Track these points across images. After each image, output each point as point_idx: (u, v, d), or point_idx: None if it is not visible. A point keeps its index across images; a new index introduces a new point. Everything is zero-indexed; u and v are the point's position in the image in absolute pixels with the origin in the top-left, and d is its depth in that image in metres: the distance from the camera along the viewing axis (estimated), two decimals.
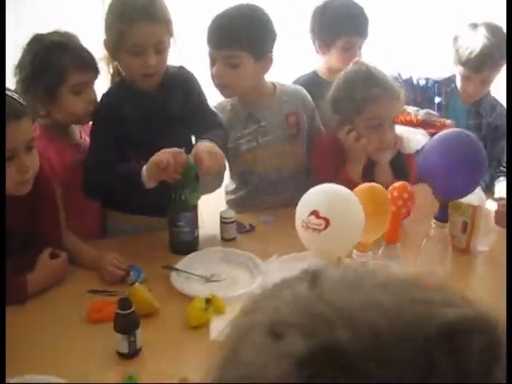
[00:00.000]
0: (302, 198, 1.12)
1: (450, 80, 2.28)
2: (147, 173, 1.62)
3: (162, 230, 1.79)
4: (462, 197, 1.43)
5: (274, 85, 2.03)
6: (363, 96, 1.78)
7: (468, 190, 1.37)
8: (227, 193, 2.10)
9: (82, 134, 1.86)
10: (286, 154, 2.03)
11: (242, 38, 1.83)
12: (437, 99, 2.27)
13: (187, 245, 1.74)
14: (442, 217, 1.37)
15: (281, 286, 0.48)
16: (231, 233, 1.83)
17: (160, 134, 1.75)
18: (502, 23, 2.18)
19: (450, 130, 1.42)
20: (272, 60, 1.93)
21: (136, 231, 1.85)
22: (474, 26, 2.17)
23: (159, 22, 1.68)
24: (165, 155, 1.60)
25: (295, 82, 2.28)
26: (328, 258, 1.10)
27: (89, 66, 1.72)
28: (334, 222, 1.03)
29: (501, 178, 2.13)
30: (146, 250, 1.74)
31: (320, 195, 1.08)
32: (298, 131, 2.04)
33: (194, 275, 1.63)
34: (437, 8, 3.06)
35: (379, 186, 1.26)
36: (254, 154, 1.99)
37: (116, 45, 1.68)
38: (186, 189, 1.69)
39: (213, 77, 1.91)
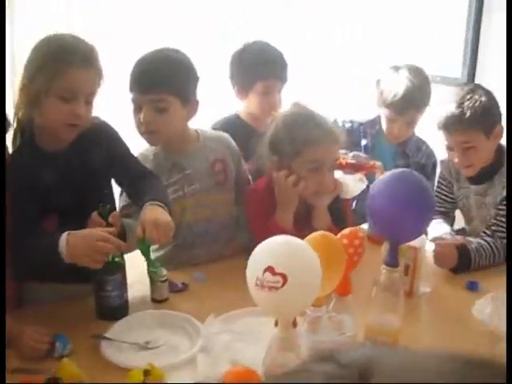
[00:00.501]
0: (253, 254, 1.02)
1: (375, 122, 2.29)
2: (68, 251, 1.46)
3: (86, 296, 1.63)
4: (413, 239, 1.38)
5: (197, 131, 1.95)
6: (303, 138, 1.73)
7: (419, 231, 1.32)
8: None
9: None
10: (215, 203, 1.94)
11: (169, 81, 1.76)
12: (363, 141, 2.27)
13: (116, 310, 1.59)
14: (392, 261, 1.31)
15: None
16: (163, 293, 1.68)
17: (78, 195, 1.63)
18: (422, 65, 2.23)
19: (396, 171, 1.37)
20: (198, 103, 1.86)
21: (56, 298, 1.67)
22: (396, 68, 2.20)
23: (95, 70, 1.58)
24: (89, 245, 1.47)
25: (216, 124, 2.23)
26: (285, 318, 1.00)
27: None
28: (291, 277, 0.94)
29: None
30: (69, 319, 1.56)
31: (273, 249, 0.98)
32: (226, 179, 1.96)
33: (126, 343, 1.47)
34: (357, 50, 3.13)
35: (330, 233, 1.18)
36: (182, 203, 1.88)
37: (45, 87, 1.52)
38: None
39: (139, 124, 1.80)
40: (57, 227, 1.60)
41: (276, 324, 1.12)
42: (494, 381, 0.35)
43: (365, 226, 2.24)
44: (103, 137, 1.69)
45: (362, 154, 2.07)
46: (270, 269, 0.94)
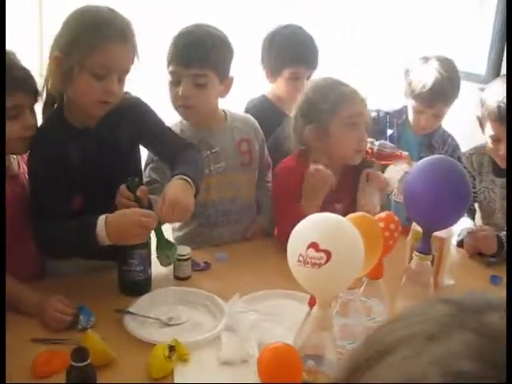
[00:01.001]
0: (296, 230, 1.00)
1: (401, 112, 2.26)
2: (107, 233, 1.45)
3: (109, 270, 1.62)
4: (447, 227, 1.36)
5: (224, 111, 1.94)
6: (337, 96, 1.76)
7: (455, 219, 1.31)
8: (174, 229, 1.95)
9: (21, 163, 1.66)
10: (240, 183, 1.93)
11: (211, 57, 1.75)
12: (389, 131, 2.24)
13: (139, 285, 1.57)
14: (425, 248, 1.30)
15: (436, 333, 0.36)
16: (186, 271, 1.67)
17: (106, 173, 1.59)
18: (452, 57, 2.20)
19: (433, 157, 1.35)
20: (232, 80, 1.85)
21: (79, 272, 1.66)
22: (426, 59, 2.17)
23: (131, 46, 1.54)
24: (133, 222, 1.46)
25: (248, 104, 2.26)
26: (325, 296, 0.98)
27: (25, 88, 1.52)
28: (335, 254, 0.92)
29: None
30: (92, 292, 1.55)
31: (317, 225, 0.96)
32: (251, 159, 1.95)
33: (150, 319, 1.46)
34: (382, 41, 3.10)
35: (370, 215, 1.17)
36: (207, 181, 1.86)
37: (78, 62, 1.47)
38: None
39: (176, 97, 1.79)
40: (83, 206, 1.59)
41: (310, 305, 1.11)
42: None
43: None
44: (134, 112, 1.65)
45: (388, 143, 2.05)
46: (313, 245, 0.93)
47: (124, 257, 1.54)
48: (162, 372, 1.27)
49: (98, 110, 1.56)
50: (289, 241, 1.00)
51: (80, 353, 1.15)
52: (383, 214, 1.26)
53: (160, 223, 1.56)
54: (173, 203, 1.49)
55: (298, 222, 1.73)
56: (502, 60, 2.92)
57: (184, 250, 1.66)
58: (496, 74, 2.92)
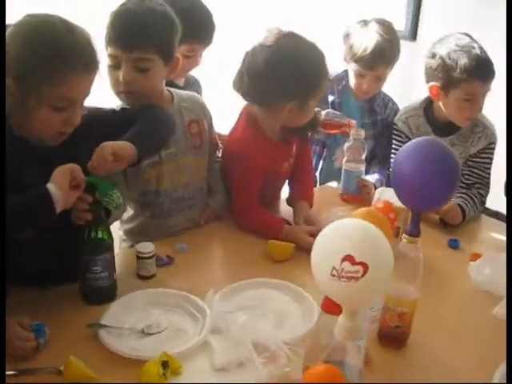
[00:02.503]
0: (324, 241, 0.91)
1: (341, 77, 2.22)
2: (56, 185, 1.27)
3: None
4: (436, 208, 1.34)
5: (170, 91, 1.78)
6: (324, 74, 1.77)
7: (444, 201, 1.29)
8: (122, 222, 1.80)
9: None
10: (191, 167, 1.81)
11: (155, 39, 1.57)
12: (330, 97, 2.20)
13: (106, 292, 1.44)
14: (415, 231, 1.27)
15: None
16: (151, 269, 1.55)
17: None
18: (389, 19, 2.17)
19: (422, 139, 1.31)
20: (179, 61, 1.69)
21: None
22: (365, 22, 2.14)
23: (96, 72, 1.34)
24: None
25: None
26: (355, 307, 0.93)
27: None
28: (372, 266, 0.86)
29: None
30: (50, 307, 1.39)
31: (350, 236, 0.89)
32: (201, 142, 1.83)
33: (126, 330, 1.34)
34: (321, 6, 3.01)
35: (375, 211, 1.12)
36: (158, 169, 1.72)
37: (34, 93, 1.26)
38: (101, 224, 1.39)
39: (116, 82, 1.61)
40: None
41: (323, 308, 1.05)
42: None
43: (333, 185, 2.22)
44: (89, 127, 1.43)
45: (335, 112, 2.01)
46: (349, 258, 0.86)
47: (86, 263, 1.40)
48: None
49: (55, 140, 1.37)
50: (315, 253, 0.93)
51: None
52: (381, 205, 1.21)
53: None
54: (105, 149, 1.36)
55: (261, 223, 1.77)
56: (418, 15, 2.95)
57: (147, 247, 1.54)
58: (414, 29, 2.95)
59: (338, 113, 2.02)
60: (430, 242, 1.82)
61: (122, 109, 1.63)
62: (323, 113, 1.98)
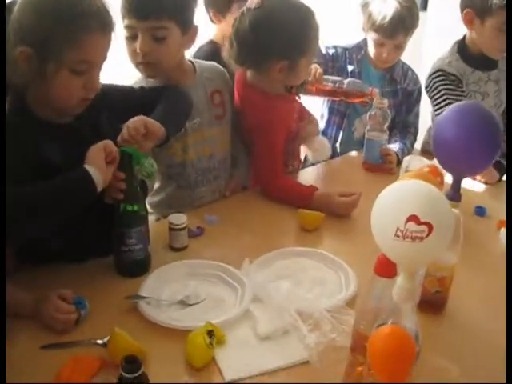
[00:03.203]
0: (388, 202, 0.89)
1: (360, 47, 2.19)
2: (93, 165, 1.26)
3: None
4: (478, 173, 1.33)
5: (192, 62, 1.76)
6: (314, 34, 1.76)
7: (485, 166, 1.28)
8: (152, 194, 1.79)
9: None
10: (216, 138, 1.80)
11: (171, 7, 1.54)
12: (349, 67, 2.17)
13: (140, 265, 1.43)
14: (455, 196, 1.26)
15: None
16: (183, 240, 1.54)
17: None
18: None
19: (464, 103, 1.30)
20: (197, 30, 1.67)
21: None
22: None
23: (112, 33, 1.31)
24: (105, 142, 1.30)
25: (196, 54, 2.06)
26: (415, 268, 0.92)
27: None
28: (436, 226, 0.85)
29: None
30: (87, 280, 1.38)
31: (416, 196, 0.88)
32: (224, 111, 1.82)
33: (165, 301, 1.33)
34: None
35: (425, 173, 1.10)
36: (184, 141, 1.71)
37: (55, 57, 1.23)
38: (135, 197, 1.38)
39: (134, 53, 1.59)
40: None
41: (377, 271, 1.04)
42: None
43: (353, 153, 2.21)
44: (104, 98, 1.40)
45: (357, 81, 1.99)
46: (413, 218, 0.85)
47: (121, 236, 1.38)
48: (204, 360, 1.16)
49: (77, 107, 1.34)
50: (376, 214, 0.92)
51: (132, 362, 1.01)
52: (427, 168, 1.20)
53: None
54: (138, 121, 1.35)
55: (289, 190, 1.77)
56: None
57: (180, 219, 1.53)
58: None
59: (360, 81, 2.00)
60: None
61: (141, 87, 1.61)
62: (345, 82, 1.96)
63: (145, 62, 1.60)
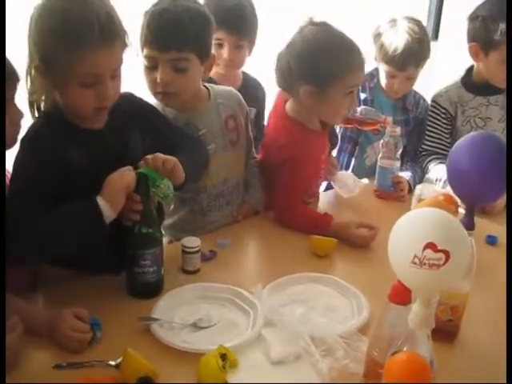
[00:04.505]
0: (404, 229, 0.91)
1: (373, 75, 2.21)
2: (109, 202, 1.28)
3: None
4: (490, 202, 1.34)
5: (207, 87, 1.78)
6: (347, 63, 1.73)
7: (498, 195, 1.29)
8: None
9: None
10: (230, 163, 1.81)
11: (192, 39, 1.57)
12: (362, 95, 2.19)
13: (153, 287, 1.43)
14: (469, 224, 1.27)
15: None
16: (196, 264, 1.55)
17: None
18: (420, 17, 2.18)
19: (479, 133, 1.32)
20: (214, 58, 1.70)
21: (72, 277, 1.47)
22: (394, 21, 2.12)
23: (119, 42, 1.30)
24: (127, 175, 1.31)
25: None
26: (431, 295, 0.92)
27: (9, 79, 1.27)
28: (453, 254, 0.86)
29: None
30: (99, 299, 1.38)
31: (433, 224, 0.89)
32: (238, 137, 1.83)
33: (178, 324, 1.33)
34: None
35: (441, 201, 1.12)
36: None
37: (61, 74, 1.26)
38: (151, 219, 1.39)
39: (153, 83, 1.61)
40: None
41: (391, 299, 1.05)
42: None
43: (365, 181, 2.22)
44: (140, 110, 1.46)
45: (371, 109, 2.01)
46: (431, 245, 0.86)
47: (135, 258, 1.39)
48: (216, 383, 1.17)
49: (96, 116, 1.36)
50: (394, 241, 0.92)
51: (145, 383, 1.01)
52: (441, 197, 1.21)
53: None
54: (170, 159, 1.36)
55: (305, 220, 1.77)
56: (441, 14, 2.95)
57: (193, 242, 1.53)
58: (436, 28, 2.95)
59: (373, 109, 2.02)
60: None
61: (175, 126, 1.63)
62: (358, 109, 1.98)
63: (164, 92, 1.62)
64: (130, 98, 1.49)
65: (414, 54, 2.08)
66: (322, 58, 1.69)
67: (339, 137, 2.27)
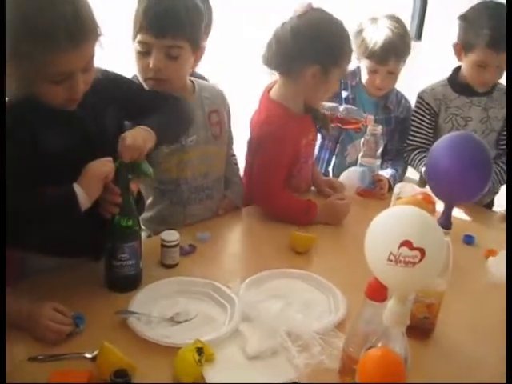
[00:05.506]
0: (381, 226, 0.91)
1: (354, 74, 2.23)
2: (85, 189, 1.27)
3: (88, 263, 1.47)
4: (469, 201, 1.36)
5: (192, 81, 1.79)
6: (349, 47, 1.86)
7: (477, 195, 1.30)
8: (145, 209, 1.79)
9: None
10: (211, 157, 1.81)
11: (186, 26, 1.58)
12: (343, 93, 2.20)
13: (131, 280, 1.43)
14: (446, 223, 1.28)
15: None
16: (175, 258, 1.55)
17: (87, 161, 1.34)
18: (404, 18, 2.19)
19: (457, 133, 1.34)
20: (204, 50, 1.71)
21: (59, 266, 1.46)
22: (375, 19, 2.15)
23: (90, 40, 1.26)
24: (106, 165, 1.31)
25: None
26: (407, 292, 0.93)
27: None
28: (429, 251, 0.87)
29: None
30: (80, 292, 1.38)
31: (409, 222, 0.90)
32: (221, 131, 1.84)
33: (155, 318, 1.33)
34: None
35: (419, 199, 1.13)
36: (180, 157, 1.72)
37: (30, 74, 1.23)
38: (129, 212, 1.38)
39: (145, 69, 1.60)
40: None
41: (368, 295, 1.06)
42: None
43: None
44: (113, 89, 1.44)
45: (352, 107, 2.02)
46: (406, 243, 0.87)
47: (113, 250, 1.39)
48: (192, 377, 1.16)
49: (67, 107, 1.34)
50: (370, 238, 0.93)
51: (121, 376, 1.01)
52: (420, 196, 1.23)
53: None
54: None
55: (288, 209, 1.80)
56: (424, 15, 2.98)
57: (172, 236, 1.53)
58: (420, 29, 2.98)
59: (355, 108, 2.03)
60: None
61: (150, 90, 1.63)
62: (340, 108, 1.99)
63: (155, 78, 1.62)
64: (103, 74, 1.44)
65: (395, 47, 2.10)
66: (334, 39, 1.78)
67: (320, 134, 2.28)
